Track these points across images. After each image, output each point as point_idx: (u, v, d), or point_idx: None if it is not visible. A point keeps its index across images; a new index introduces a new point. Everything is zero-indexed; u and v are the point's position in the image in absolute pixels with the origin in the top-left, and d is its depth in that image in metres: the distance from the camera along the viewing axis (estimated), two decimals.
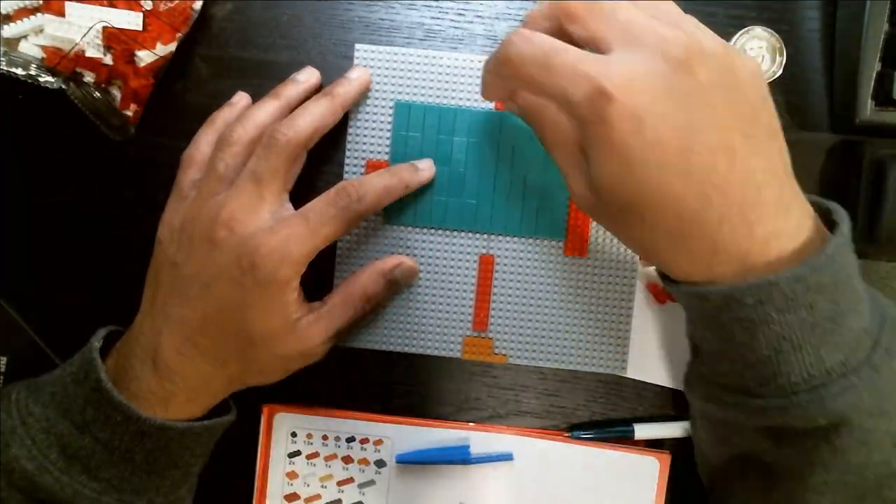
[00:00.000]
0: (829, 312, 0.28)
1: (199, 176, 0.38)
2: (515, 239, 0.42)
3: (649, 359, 0.42)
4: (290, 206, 0.37)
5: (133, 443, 0.34)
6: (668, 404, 0.43)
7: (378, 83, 0.42)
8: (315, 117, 0.37)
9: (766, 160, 0.29)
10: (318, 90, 0.40)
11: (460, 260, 0.42)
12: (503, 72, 0.32)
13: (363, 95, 0.41)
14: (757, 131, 0.29)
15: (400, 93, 0.42)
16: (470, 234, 0.42)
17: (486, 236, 0.42)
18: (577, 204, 0.32)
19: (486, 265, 0.42)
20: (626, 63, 0.28)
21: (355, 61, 0.42)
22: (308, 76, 0.40)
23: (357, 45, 0.42)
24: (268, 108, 0.38)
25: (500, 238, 0.42)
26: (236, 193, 0.35)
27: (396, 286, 0.41)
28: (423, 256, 0.42)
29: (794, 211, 0.29)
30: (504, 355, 0.42)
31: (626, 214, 0.29)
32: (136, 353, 0.36)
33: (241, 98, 0.41)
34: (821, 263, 0.27)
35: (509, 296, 0.42)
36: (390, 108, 0.42)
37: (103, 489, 0.34)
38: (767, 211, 0.28)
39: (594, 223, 0.42)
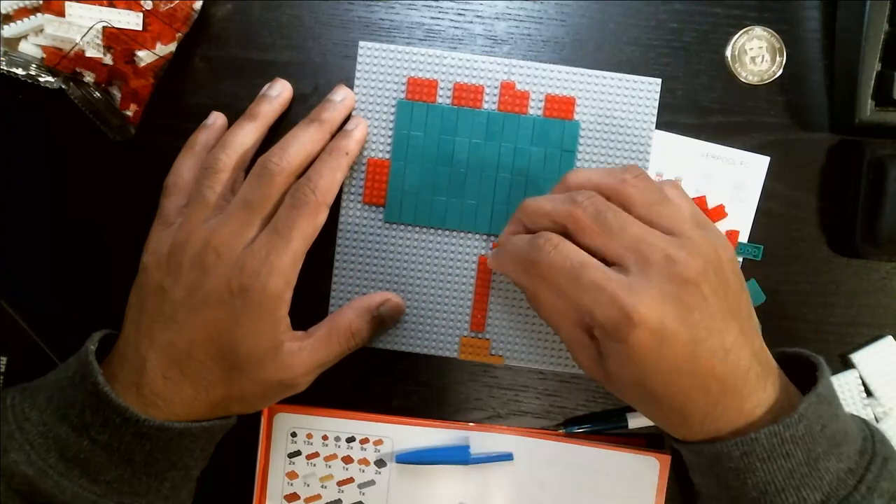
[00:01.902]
0: (805, 458, 0.32)
1: (183, 202, 0.39)
2: None
3: None
4: None
5: (132, 444, 0.34)
6: None
7: (381, 81, 0.42)
8: (305, 145, 0.38)
9: (749, 345, 0.33)
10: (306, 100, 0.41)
11: (459, 260, 0.42)
12: (527, 268, 0.35)
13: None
14: (741, 320, 0.33)
15: (402, 92, 0.42)
16: (470, 235, 0.42)
17: (485, 237, 0.42)
18: (579, 366, 0.36)
19: (486, 266, 0.42)
20: (646, 290, 0.32)
21: (359, 59, 0.42)
22: (280, 90, 0.41)
23: (361, 43, 0.42)
24: (247, 131, 0.39)
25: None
26: (227, 220, 0.36)
27: (382, 324, 0.41)
28: (422, 256, 0.42)
29: (770, 380, 0.34)
30: (501, 356, 0.42)
31: (634, 396, 0.35)
32: (119, 378, 0.35)
33: (217, 118, 0.42)
34: (793, 421, 0.32)
35: (507, 297, 0.42)
36: (392, 106, 0.42)
37: (103, 492, 0.34)
38: (751, 388, 0.33)
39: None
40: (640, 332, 0.31)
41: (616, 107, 0.42)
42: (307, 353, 0.38)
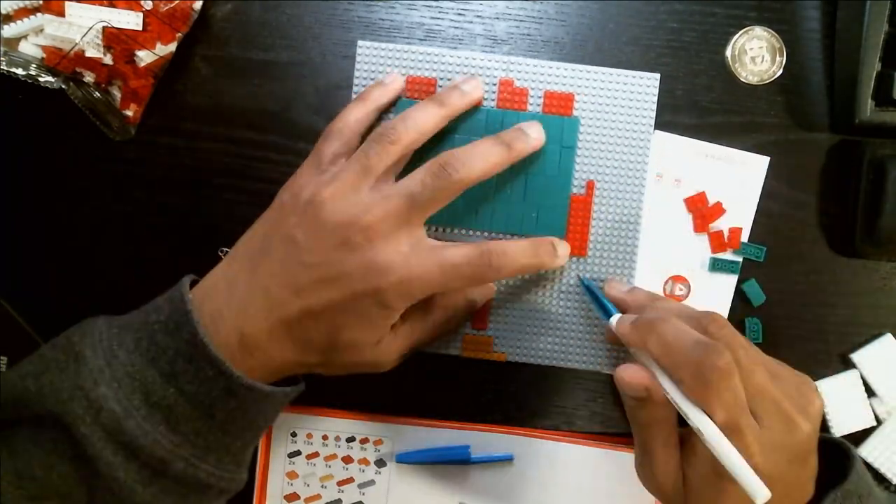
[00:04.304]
0: None
1: (342, 151, 0.38)
2: (516, 238, 0.42)
3: None
4: (425, 235, 0.37)
5: (218, 400, 0.34)
6: None
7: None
8: (488, 164, 0.37)
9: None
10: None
11: None
12: (684, 365, 0.32)
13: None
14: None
15: (402, 90, 0.42)
16: (470, 233, 0.42)
17: (486, 234, 0.42)
18: (651, 481, 0.35)
19: None
20: (768, 443, 0.31)
21: (357, 58, 0.42)
22: (473, 87, 0.40)
23: (360, 42, 0.42)
24: (431, 114, 0.38)
25: (501, 237, 0.42)
26: (384, 205, 0.35)
27: (473, 305, 0.41)
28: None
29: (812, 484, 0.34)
30: (503, 353, 0.42)
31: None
32: (225, 316, 0.35)
33: (394, 80, 0.41)
34: None
35: (509, 294, 0.42)
36: (392, 105, 0.42)
37: (179, 442, 0.33)
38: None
39: (594, 222, 0.42)
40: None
41: (615, 102, 0.42)
42: (402, 340, 0.38)
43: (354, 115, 0.39)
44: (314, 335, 0.35)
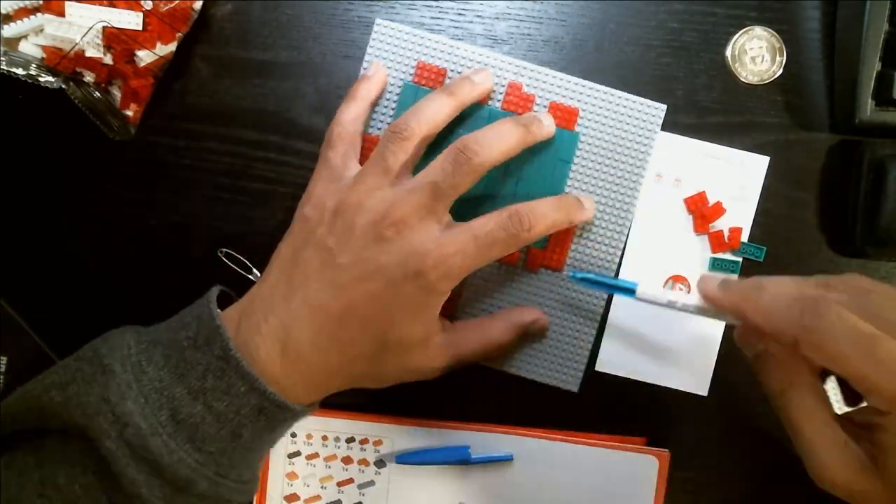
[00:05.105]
0: None
1: (351, 152, 0.38)
2: None
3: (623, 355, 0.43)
4: (451, 219, 0.37)
5: (247, 418, 0.33)
6: (671, 405, 0.43)
7: (390, 61, 0.42)
8: (506, 145, 0.37)
9: None
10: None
11: None
12: (789, 328, 0.29)
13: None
14: None
15: (410, 74, 0.42)
16: None
17: None
18: (823, 476, 0.30)
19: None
20: None
21: (373, 35, 0.42)
22: (484, 79, 0.40)
23: (378, 20, 0.42)
24: (441, 105, 0.38)
25: None
26: (410, 198, 0.35)
27: (525, 338, 0.41)
28: None
29: None
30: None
31: None
32: (263, 331, 0.34)
33: (377, 70, 0.41)
34: None
35: (480, 295, 0.42)
36: (399, 87, 0.42)
37: (204, 461, 0.33)
38: None
39: (576, 238, 0.42)
40: None
41: (618, 125, 0.42)
42: (452, 349, 0.38)
43: (349, 116, 0.39)
44: (358, 335, 0.35)
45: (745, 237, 0.42)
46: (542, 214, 0.36)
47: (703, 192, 0.42)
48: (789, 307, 0.30)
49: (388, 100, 0.42)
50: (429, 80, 0.42)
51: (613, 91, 0.42)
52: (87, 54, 0.39)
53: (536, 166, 0.41)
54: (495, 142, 0.36)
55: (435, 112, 0.38)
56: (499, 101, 0.42)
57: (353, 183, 0.36)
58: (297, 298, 0.35)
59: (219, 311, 0.34)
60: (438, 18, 0.42)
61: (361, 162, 0.40)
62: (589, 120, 0.42)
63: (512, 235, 0.35)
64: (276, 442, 0.37)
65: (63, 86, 0.40)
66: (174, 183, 0.43)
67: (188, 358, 0.33)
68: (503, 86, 0.42)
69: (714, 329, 0.43)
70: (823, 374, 0.31)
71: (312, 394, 0.36)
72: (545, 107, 0.42)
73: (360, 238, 0.35)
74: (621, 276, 0.42)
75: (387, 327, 0.35)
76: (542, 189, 0.41)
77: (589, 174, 0.42)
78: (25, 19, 0.39)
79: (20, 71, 0.39)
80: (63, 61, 0.39)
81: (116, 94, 0.41)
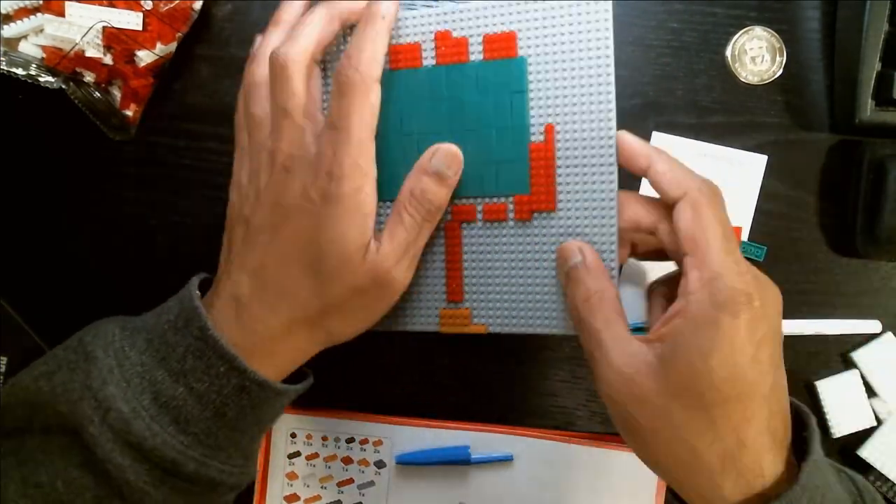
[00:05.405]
0: None
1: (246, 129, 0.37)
2: (479, 201, 0.38)
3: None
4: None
5: (230, 397, 0.33)
6: None
7: None
8: (316, 29, 0.35)
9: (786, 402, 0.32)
10: None
11: None
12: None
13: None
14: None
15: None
16: None
17: (448, 201, 0.38)
18: (604, 386, 0.32)
19: (454, 233, 0.39)
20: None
21: None
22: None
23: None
24: (273, 38, 0.37)
25: (464, 202, 0.39)
26: (280, 133, 0.35)
27: (444, 177, 0.37)
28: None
29: (785, 444, 0.32)
30: (484, 325, 0.39)
31: (693, 411, 0.30)
32: (217, 306, 0.35)
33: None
34: (796, 495, 0.30)
35: (482, 262, 0.39)
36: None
37: (190, 443, 0.33)
38: (777, 450, 0.31)
39: (560, 170, 0.38)
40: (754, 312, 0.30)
41: (564, 37, 0.37)
42: (387, 241, 0.36)
43: (243, 112, 0.38)
44: (300, 282, 0.34)
45: (744, 237, 0.42)
46: (354, 47, 0.35)
47: None
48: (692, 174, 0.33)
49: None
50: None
51: (546, 2, 0.37)
52: (87, 54, 0.39)
53: (492, 106, 0.38)
54: (306, 29, 0.35)
55: (267, 48, 0.36)
56: (432, 57, 0.38)
57: (248, 151, 0.36)
58: (236, 271, 0.35)
59: (198, 293, 0.34)
60: None
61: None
62: (531, 39, 0.37)
63: (350, 89, 0.34)
64: (265, 424, 0.36)
65: (63, 86, 0.40)
66: (174, 183, 0.43)
67: (169, 341, 0.33)
68: (431, 40, 0.38)
69: None
70: None
71: (278, 359, 0.35)
72: (480, 44, 0.38)
73: (264, 195, 0.35)
74: (621, 277, 0.42)
75: (320, 254, 0.34)
76: (505, 130, 0.38)
77: (549, 96, 0.38)
78: (25, 19, 0.39)
79: (20, 71, 0.39)
80: (63, 61, 0.39)
81: (116, 94, 0.41)
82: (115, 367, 0.33)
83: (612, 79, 0.37)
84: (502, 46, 0.38)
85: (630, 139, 0.35)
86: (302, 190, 0.34)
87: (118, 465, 0.32)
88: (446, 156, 0.37)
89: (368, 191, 0.34)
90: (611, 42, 0.37)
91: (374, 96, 0.34)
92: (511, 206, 0.38)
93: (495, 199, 0.38)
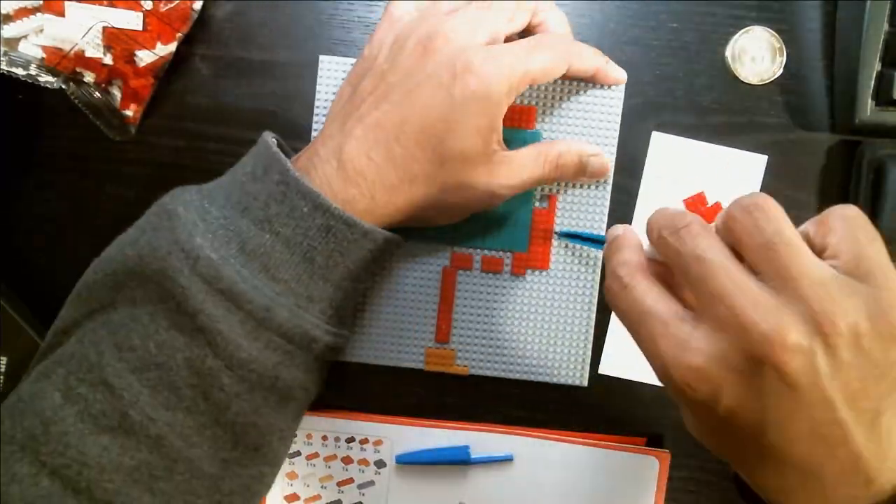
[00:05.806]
0: None
1: (412, 8, 0.37)
2: (479, 252, 0.42)
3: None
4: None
5: (316, 239, 0.33)
6: (671, 406, 0.43)
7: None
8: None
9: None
10: None
11: (424, 272, 0.42)
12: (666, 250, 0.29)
13: None
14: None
15: None
16: (433, 247, 0.42)
17: (448, 248, 0.42)
18: (683, 366, 0.27)
19: (450, 279, 0.42)
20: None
21: (320, 73, 0.41)
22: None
23: (321, 57, 0.41)
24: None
25: (465, 251, 0.42)
26: (465, 14, 0.35)
27: (583, 172, 0.39)
28: (386, 268, 0.42)
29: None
30: (466, 366, 0.42)
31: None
32: (320, 153, 0.34)
33: None
34: None
35: (472, 308, 0.42)
36: None
37: (281, 291, 0.33)
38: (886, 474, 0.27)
39: (556, 237, 0.42)
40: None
41: (578, 115, 0.41)
42: (516, 166, 0.36)
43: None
44: (414, 151, 0.34)
45: None
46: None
47: (702, 192, 0.42)
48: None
49: None
50: None
51: (567, 82, 0.41)
52: (87, 54, 0.39)
53: None
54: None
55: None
56: None
57: (412, 18, 0.36)
58: (352, 120, 0.34)
59: (273, 140, 0.34)
60: None
61: None
62: (547, 115, 0.41)
63: (552, 47, 0.36)
64: (358, 281, 0.35)
65: (63, 86, 0.40)
66: (174, 183, 0.43)
67: (249, 190, 0.33)
68: None
69: None
70: None
71: (377, 215, 0.35)
72: None
73: (410, 55, 0.34)
74: None
75: (443, 138, 0.34)
76: (520, 195, 0.40)
77: None
78: (25, 19, 0.39)
79: (20, 71, 0.39)
80: (63, 61, 0.39)
81: (116, 94, 0.41)
82: (199, 220, 0.32)
83: (612, 162, 0.41)
84: (522, 118, 0.41)
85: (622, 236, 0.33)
86: (450, 61, 0.34)
87: (210, 315, 0.31)
88: (600, 167, 0.40)
89: (504, 107, 0.35)
90: (618, 123, 0.41)
91: (562, 68, 0.37)
92: (508, 261, 0.42)
93: (494, 253, 0.42)
